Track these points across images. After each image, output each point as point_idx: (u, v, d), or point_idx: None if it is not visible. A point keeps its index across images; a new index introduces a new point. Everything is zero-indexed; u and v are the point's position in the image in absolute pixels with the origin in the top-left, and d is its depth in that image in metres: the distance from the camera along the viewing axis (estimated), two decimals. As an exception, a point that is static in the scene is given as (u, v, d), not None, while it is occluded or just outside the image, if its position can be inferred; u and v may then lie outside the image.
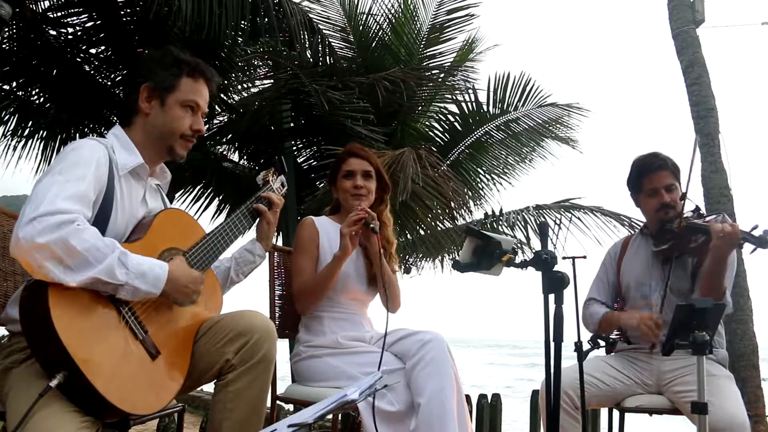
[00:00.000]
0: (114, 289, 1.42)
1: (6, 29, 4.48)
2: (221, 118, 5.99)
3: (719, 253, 2.12)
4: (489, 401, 4.62)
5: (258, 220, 1.91)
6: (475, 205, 6.36)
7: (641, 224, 2.84)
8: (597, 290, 2.54)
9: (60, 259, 1.34)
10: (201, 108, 1.72)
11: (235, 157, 6.30)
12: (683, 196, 2.35)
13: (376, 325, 2.41)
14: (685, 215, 2.31)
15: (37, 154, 5.45)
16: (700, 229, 2.20)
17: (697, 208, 2.36)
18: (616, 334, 2.66)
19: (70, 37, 5.06)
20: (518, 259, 1.62)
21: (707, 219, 2.30)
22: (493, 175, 6.54)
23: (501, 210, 6.10)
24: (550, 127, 6.35)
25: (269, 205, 1.91)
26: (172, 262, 1.56)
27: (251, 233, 1.98)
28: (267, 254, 2.00)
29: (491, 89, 6.15)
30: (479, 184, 6.54)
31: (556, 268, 1.52)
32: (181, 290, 1.55)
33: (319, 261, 2.29)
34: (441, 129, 6.41)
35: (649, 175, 2.38)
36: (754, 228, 2.08)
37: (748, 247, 2.12)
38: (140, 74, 1.69)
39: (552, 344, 1.52)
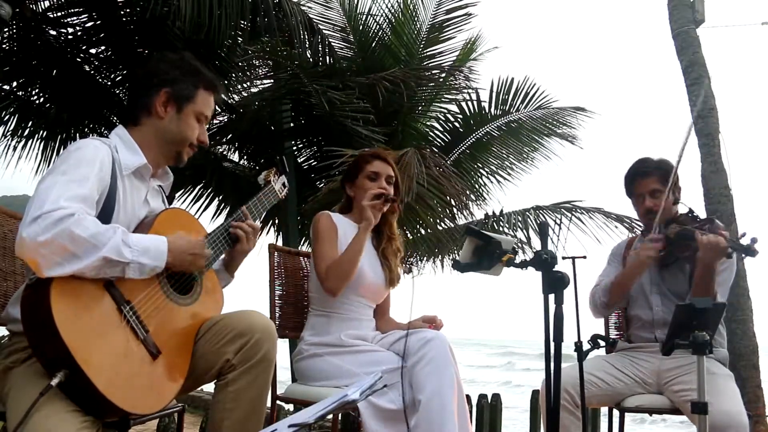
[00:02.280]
0: (122, 270, 1.44)
1: (6, 29, 4.49)
2: (221, 118, 5.98)
3: (706, 262, 2.16)
4: (489, 401, 4.62)
5: (234, 245, 1.80)
6: (475, 205, 6.36)
7: (642, 226, 2.85)
8: (605, 274, 2.55)
9: (66, 249, 1.35)
10: (208, 119, 1.77)
11: (235, 157, 6.31)
12: (675, 201, 2.38)
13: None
14: (679, 218, 2.32)
15: (37, 154, 5.47)
16: (691, 237, 2.21)
17: (691, 211, 2.37)
18: (617, 334, 2.68)
19: (70, 37, 5.06)
20: (518, 259, 1.62)
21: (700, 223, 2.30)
22: (494, 175, 6.55)
23: (502, 210, 6.10)
24: (553, 127, 6.36)
25: (237, 239, 1.78)
26: (170, 235, 1.56)
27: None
28: (234, 277, 1.93)
29: (494, 93, 6.14)
30: (480, 184, 6.55)
31: (556, 268, 1.52)
32: (184, 258, 1.57)
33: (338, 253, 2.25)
34: (441, 129, 6.42)
35: (637, 180, 2.43)
36: (742, 236, 2.09)
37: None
38: (158, 77, 1.69)
39: (552, 344, 1.52)
